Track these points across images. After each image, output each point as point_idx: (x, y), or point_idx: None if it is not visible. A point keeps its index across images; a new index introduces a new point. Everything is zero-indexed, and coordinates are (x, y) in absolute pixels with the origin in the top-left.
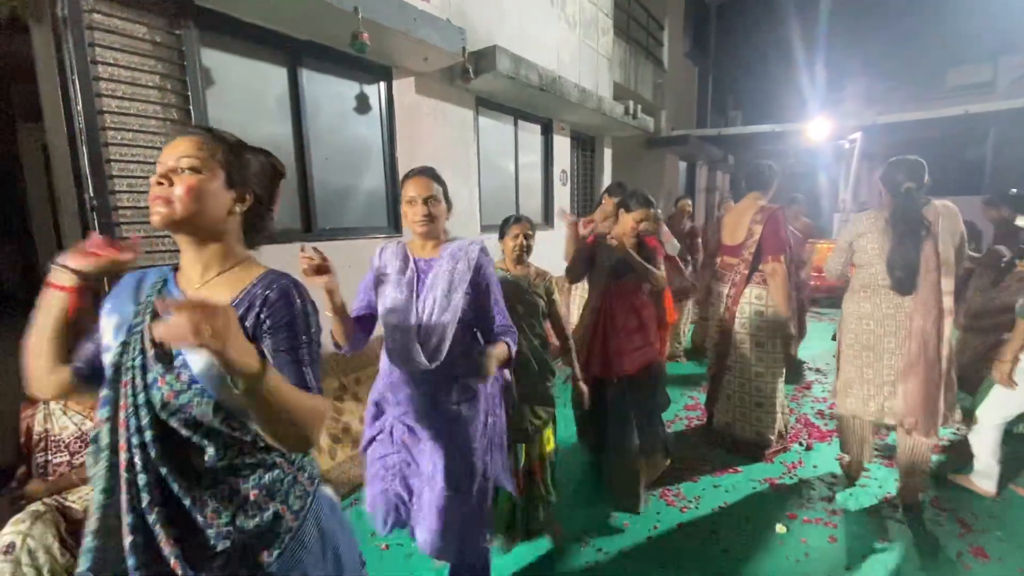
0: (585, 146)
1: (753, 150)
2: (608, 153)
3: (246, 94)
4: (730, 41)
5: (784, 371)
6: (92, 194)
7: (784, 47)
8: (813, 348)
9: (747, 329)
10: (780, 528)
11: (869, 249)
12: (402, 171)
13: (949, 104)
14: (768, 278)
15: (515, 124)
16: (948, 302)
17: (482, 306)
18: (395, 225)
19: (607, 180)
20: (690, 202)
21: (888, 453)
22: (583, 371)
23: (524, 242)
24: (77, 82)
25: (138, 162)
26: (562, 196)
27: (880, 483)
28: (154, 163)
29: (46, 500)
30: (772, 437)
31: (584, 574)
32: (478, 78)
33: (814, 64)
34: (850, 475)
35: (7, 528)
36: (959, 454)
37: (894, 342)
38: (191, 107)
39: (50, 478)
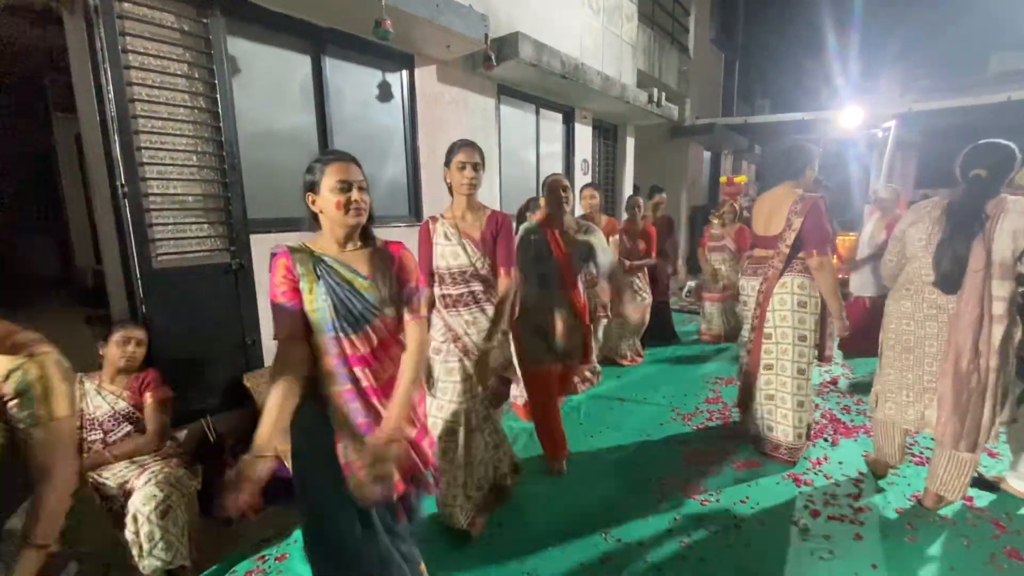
0: (607, 135)
1: (780, 139)
2: (631, 142)
3: (271, 82)
4: (758, 27)
5: (812, 367)
6: (123, 181)
7: (815, 32)
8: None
9: (789, 323)
10: (804, 524)
11: (916, 240)
12: (424, 160)
13: (991, 91)
14: (815, 273)
15: (536, 112)
16: (999, 308)
17: None
18: (416, 213)
19: (629, 170)
20: (641, 200)
21: (918, 451)
22: None
23: None
24: (109, 71)
25: (167, 149)
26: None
27: (909, 481)
28: (183, 150)
29: (82, 476)
30: (806, 438)
31: (603, 565)
32: (500, 65)
33: (847, 50)
34: (877, 473)
35: None
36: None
37: (936, 346)
38: (217, 96)
39: (85, 455)
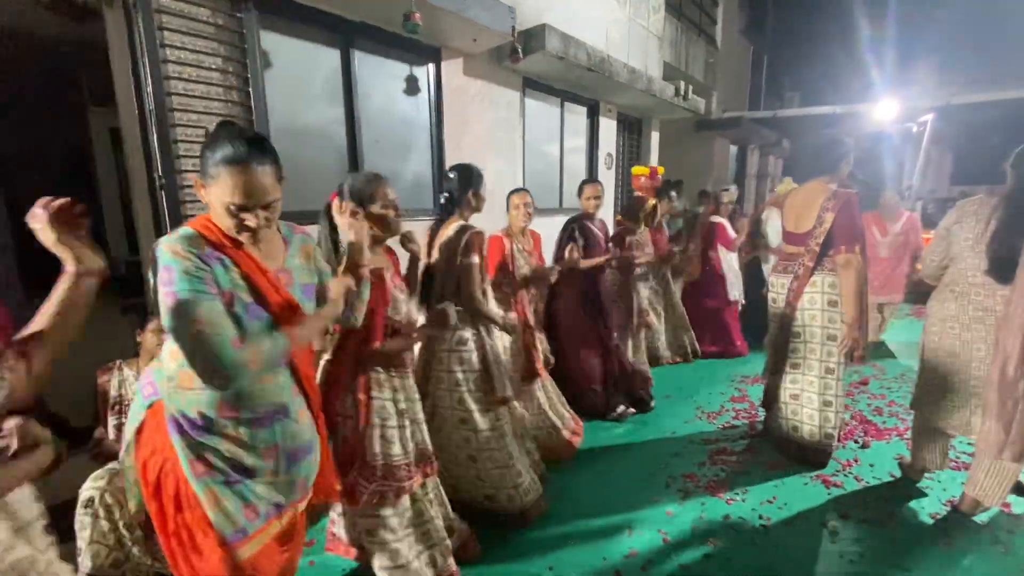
0: (632, 129)
1: (810, 134)
2: (655, 136)
3: (301, 76)
4: (789, 17)
5: (842, 367)
6: (160, 173)
7: (848, 22)
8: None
9: (819, 322)
10: (833, 526)
11: (962, 239)
12: (449, 154)
13: None
14: (840, 271)
15: (561, 106)
16: None
17: None
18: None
19: (654, 164)
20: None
21: (953, 456)
22: None
23: None
24: (147, 65)
25: (202, 142)
26: (607, 180)
27: (944, 485)
28: None
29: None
30: (836, 440)
31: (626, 561)
32: (526, 58)
33: (881, 42)
34: (911, 477)
35: (87, 484)
36: None
37: (984, 349)
38: (251, 89)
39: (121, 441)
